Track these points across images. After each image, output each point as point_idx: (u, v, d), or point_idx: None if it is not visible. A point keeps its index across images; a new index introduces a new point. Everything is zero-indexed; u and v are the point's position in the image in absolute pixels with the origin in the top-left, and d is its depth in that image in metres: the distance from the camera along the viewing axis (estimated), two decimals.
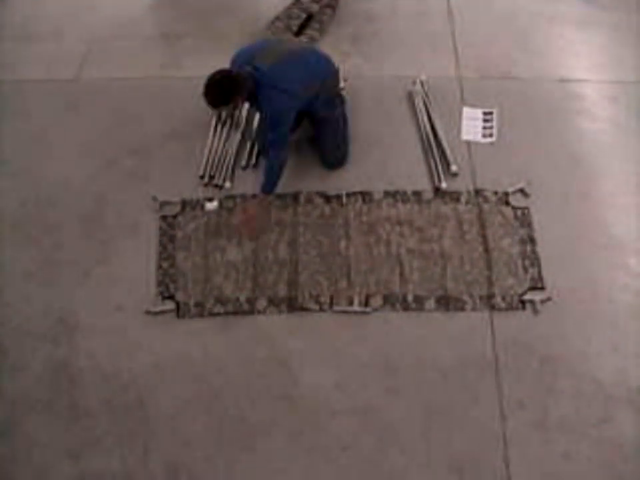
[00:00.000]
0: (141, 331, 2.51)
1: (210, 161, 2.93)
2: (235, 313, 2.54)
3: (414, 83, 3.16)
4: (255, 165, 2.91)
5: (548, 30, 3.45)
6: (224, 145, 2.98)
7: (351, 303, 2.55)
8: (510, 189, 2.80)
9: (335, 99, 2.81)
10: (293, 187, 2.83)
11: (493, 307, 2.52)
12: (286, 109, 2.51)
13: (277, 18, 3.46)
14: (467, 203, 2.77)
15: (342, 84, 3.06)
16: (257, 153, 2.93)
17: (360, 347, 2.45)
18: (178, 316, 2.54)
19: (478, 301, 2.53)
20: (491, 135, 2.99)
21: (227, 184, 2.86)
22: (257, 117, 2.89)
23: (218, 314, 2.54)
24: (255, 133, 2.95)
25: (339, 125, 2.85)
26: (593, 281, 2.57)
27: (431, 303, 2.54)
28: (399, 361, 2.42)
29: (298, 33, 3.39)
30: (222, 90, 2.39)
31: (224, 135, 3.02)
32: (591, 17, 3.50)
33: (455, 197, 2.79)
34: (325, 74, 2.68)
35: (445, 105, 3.09)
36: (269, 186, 2.63)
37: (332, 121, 2.81)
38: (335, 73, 2.78)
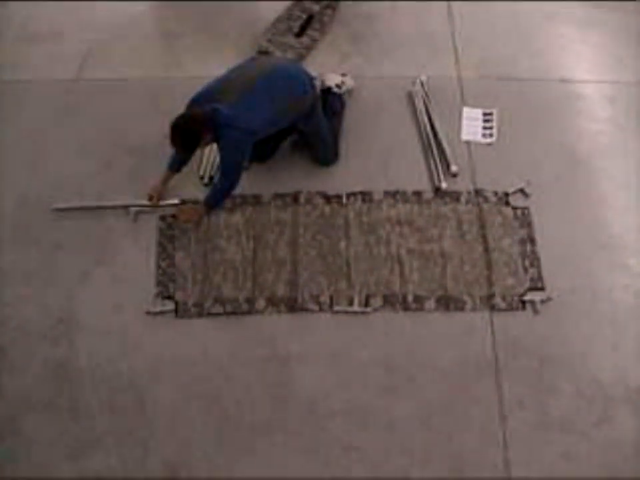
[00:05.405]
0: (140, 330, 2.51)
1: (210, 161, 2.92)
2: (234, 313, 2.54)
3: (414, 83, 3.16)
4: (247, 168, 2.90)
5: (548, 30, 3.45)
6: None
7: (351, 303, 2.55)
8: (510, 189, 2.79)
9: (315, 112, 2.70)
10: (292, 187, 2.83)
11: (493, 307, 2.52)
12: (242, 146, 2.49)
13: (278, 19, 3.46)
14: (467, 203, 2.77)
15: (346, 82, 3.05)
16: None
17: (360, 347, 2.45)
18: (177, 316, 2.54)
19: (478, 301, 2.53)
20: (491, 135, 2.99)
21: None
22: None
23: (217, 314, 2.54)
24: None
25: (323, 135, 2.81)
26: (593, 281, 2.57)
27: (431, 303, 2.54)
28: (399, 360, 2.42)
29: (299, 33, 3.39)
30: (188, 133, 2.38)
31: None
32: (590, 17, 3.49)
33: (455, 197, 2.79)
34: (295, 93, 2.57)
35: (445, 104, 3.09)
36: (212, 204, 2.68)
37: (315, 133, 2.79)
38: (305, 90, 2.61)
